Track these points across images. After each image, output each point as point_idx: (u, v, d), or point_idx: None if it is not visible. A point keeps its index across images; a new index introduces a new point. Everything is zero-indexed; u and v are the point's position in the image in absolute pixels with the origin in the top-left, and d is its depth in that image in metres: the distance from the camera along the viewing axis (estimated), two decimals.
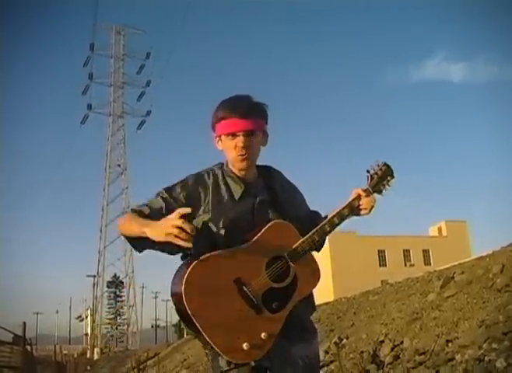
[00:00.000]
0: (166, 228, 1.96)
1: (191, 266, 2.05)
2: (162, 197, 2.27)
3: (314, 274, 2.29)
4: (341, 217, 2.33)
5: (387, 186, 2.46)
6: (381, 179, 2.44)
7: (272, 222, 2.23)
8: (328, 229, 2.30)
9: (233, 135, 2.24)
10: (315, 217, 2.47)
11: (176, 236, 1.95)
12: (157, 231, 2.01)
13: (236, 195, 2.28)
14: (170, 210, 2.13)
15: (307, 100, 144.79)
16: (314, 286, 2.29)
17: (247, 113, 2.23)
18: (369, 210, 2.37)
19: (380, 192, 2.45)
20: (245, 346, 2.04)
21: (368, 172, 2.44)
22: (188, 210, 2.00)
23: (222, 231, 2.22)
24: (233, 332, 2.05)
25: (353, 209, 2.36)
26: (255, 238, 2.18)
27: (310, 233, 2.25)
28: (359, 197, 2.36)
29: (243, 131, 2.22)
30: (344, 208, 2.34)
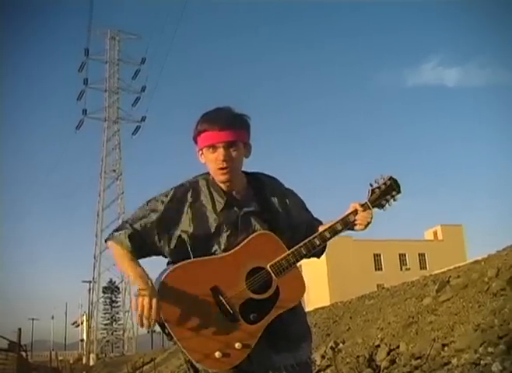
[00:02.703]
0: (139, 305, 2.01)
1: (167, 272, 2.09)
2: (133, 234, 2.26)
3: (298, 288, 2.23)
4: (333, 231, 2.25)
5: (391, 201, 2.34)
6: (384, 193, 2.32)
7: (256, 233, 2.20)
8: (318, 243, 2.22)
9: (214, 147, 2.19)
10: (315, 225, 2.38)
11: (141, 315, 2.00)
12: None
13: (218, 207, 2.24)
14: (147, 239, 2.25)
15: (301, 103, 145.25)
16: (298, 300, 2.24)
17: (227, 124, 2.18)
18: (365, 226, 2.26)
19: (381, 207, 2.32)
20: (217, 354, 2.04)
21: (371, 185, 2.32)
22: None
23: (202, 244, 2.21)
24: (206, 340, 2.05)
25: (348, 224, 2.26)
26: (237, 248, 2.17)
27: (296, 246, 2.19)
28: (355, 212, 2.25)
29: (223, 143, 2.18)
30: (337, 223, 2.25)
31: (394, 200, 2.35)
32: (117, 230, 2.28)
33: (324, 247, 2.35)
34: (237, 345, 2.07)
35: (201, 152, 2.27)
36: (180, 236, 2.24)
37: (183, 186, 2.31)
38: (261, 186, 2.35)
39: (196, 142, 2.28)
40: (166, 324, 2.06)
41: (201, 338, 2.05)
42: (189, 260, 2.15)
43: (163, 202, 2.27)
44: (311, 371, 2.39)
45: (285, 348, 2.21)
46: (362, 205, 2.27)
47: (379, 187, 2.32)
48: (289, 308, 2.19)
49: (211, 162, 2.23)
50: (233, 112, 2.25)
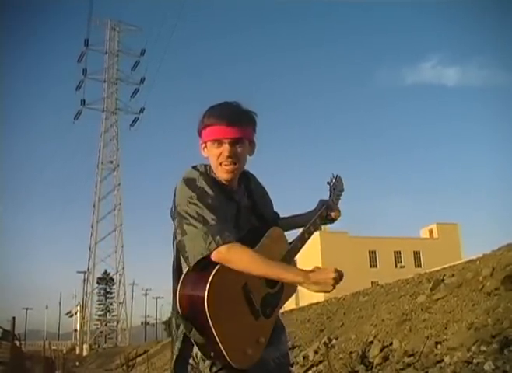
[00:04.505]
0: (328, 281, 1.95)
1: (214, 272, 1.97)
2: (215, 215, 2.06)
3: None
4: (315, 226, 2.42)
5: (340, 199, 2.68)
6: (338, 191, 2.65)
7: (272, 229, 2.24)
8: (307, 237, 2.35)
9: (219, 142, 2.16)
10: (276, 218, 2.49)
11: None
12: (318, 281, 1.95)
13: (221, 201, 2.18)
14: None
15: (300, 101, 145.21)
16: (295, 291, 2.30)
17: (235, 120, 2.15)
18: (336, 220, 2.56)
19: (336, 204, 2.62)
20: (249, 351, 2.01)
21: (328, 183, 2.61)
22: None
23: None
24: (241, 338, 2.02)
25: (323, 219, 2.50)
26: (261, 243, 2.16)
27: (293, 240, 2.29)
28: (327, 209, 2.51)
29: (229, 139, 2.14)
30: (316, 218, 2.44)
31: (340, 198, 2.68)
32: (218, 234, 2.02)
33: None
34: (261, 340, 2.07)
35: (204, 145, 2.23)
36: None
37: (202, 177, 2.17)
38: (249, 183, 2.37)
39: (200, 135, 2.24)
40: (212, 326, 1.93)
41: (237, 337, 2.00)
42: None
43: (208, 194, 2.11)
44: (290, 360, 2.49)
45: (270, 342, 2.20)
46: (328, 202, 2.54)
47: (335, 185, 2.64)
48: (289, 299, 2.26)
49: (214, 156, 2.18)
50: (242, 108, 2.22)
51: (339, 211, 2.56)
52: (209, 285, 1.94)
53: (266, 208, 2.42)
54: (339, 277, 1.97)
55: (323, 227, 2.71)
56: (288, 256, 2.23)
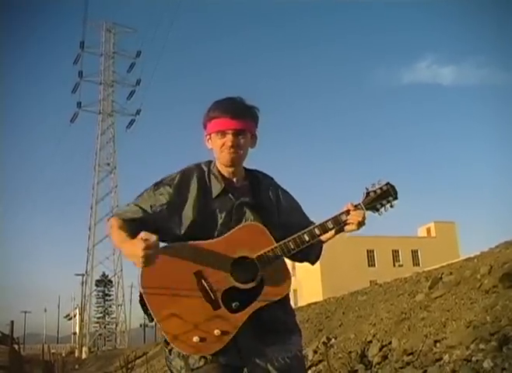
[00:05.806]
0: (134, 255, 1.98)
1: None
2: (143, 207, 2.27)
3: (283, 283, 2.24)
4: (323, 228, 2.28)
5: (387, 207, 2.38)
6: (379, 197, 2.36)
7: (246, 223, 2.26)
8: (307, 239, 2.25)
9: (223, 134, 2.27)
10: (305, 225, 2.38)
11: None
12: (129, 253, 2.02)
13: (215, 193, 2.30)
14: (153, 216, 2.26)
15: (297, 102, 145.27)
16: (282, 294, 2.23)
17: (238, 113, 2.27)
18: (357, 226, 2.29)
19: (376, 210, 2.36)
20: (195, 339, 2.07)
21: (366, 189, 2.36)
22: (152, 237, 1.96)
23: (201, 230, 2.24)
24: (186, 323, 2.07)
25: (339, 223, 2.30)
26: (225, 235, 2.21)
27: (285, 240, 2.22)
28: (347, 212, 2.30)
29: (232, 130, 2.26)
30: (328, 221, 2.29)
31: (392, 206, 2.40)
32: (121, 209, 2.32)
33: (319, 252, 2.45)
34: (216, 332, 2.08)
35: (208, 137, 2.36)
36: (189, 222, 2.26)
37: (189, 170, 2.36)
38: (257, 182, 2.41)
39: (205, 127, 2.35)
40: (148, 305, 2.10)
41: (181, 321, 2.07)
42: (174, 244, 2.20)
43: (170, 186, 2.31)
44: (303, 364, 2.43)
45: (275, 341, 2.23)
46: (355, 206, 2.32)
47: (374, 191, 2.37)
48: (272, 301, 2.20)
49: (217, 146, 2.30)
50: (245, 103, 2.34)
51: (360, 215, 2.29)
52: (145, 268, 2.07)
53: (277, 212, 2.40)
54: (146, 248, 1.93)
55: None
56: (271, 254, 2.18)
